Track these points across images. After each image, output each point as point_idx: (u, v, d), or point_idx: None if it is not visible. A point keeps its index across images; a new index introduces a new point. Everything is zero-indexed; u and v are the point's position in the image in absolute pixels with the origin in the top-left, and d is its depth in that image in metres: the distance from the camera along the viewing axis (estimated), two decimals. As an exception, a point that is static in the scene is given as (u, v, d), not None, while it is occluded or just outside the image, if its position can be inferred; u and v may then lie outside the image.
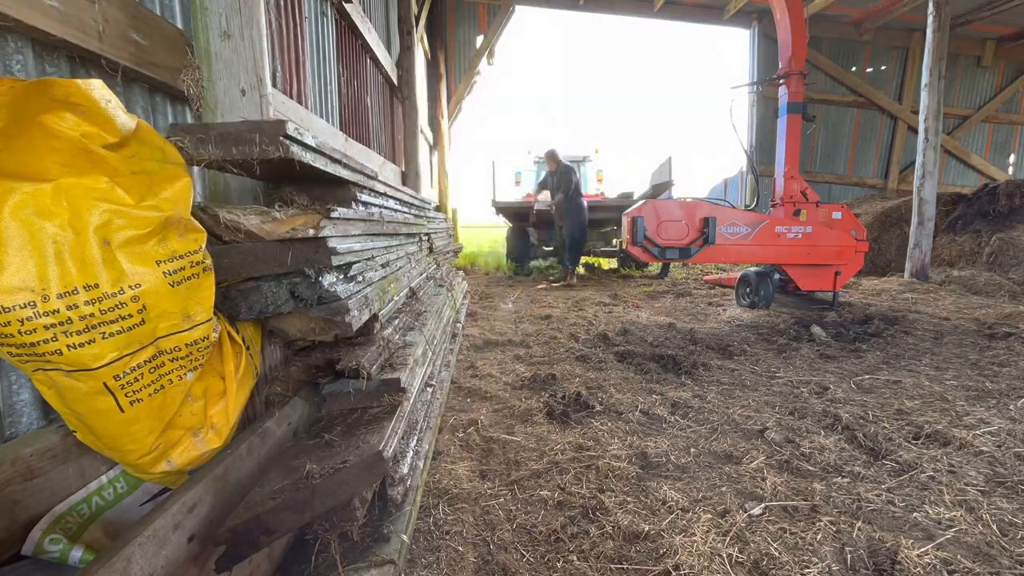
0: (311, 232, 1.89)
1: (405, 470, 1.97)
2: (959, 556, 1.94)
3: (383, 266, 2.61)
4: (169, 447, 1.61)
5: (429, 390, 2.76)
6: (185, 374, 1.58)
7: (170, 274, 1.45)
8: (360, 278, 2.18)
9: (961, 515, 2.19)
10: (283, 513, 1.57)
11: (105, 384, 1.41)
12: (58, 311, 1.27)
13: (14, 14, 1.65)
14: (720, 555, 1.96)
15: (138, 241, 1.38)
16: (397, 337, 2.52)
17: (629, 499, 2.36)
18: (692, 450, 2.85)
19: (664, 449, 2.84)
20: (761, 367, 4.32)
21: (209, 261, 1.56)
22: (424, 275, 4.21)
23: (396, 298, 2.75)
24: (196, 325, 1.55)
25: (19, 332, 1.25)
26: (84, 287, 1.30)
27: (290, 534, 1.72)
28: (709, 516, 2.20)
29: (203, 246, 1.54)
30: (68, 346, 1.31)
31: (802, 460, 2.69)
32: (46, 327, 1.27)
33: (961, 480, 2.46)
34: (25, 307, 1.24)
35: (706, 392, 3.75)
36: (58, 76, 1.82)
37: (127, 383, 1.45)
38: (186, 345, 1.55)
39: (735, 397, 3.65)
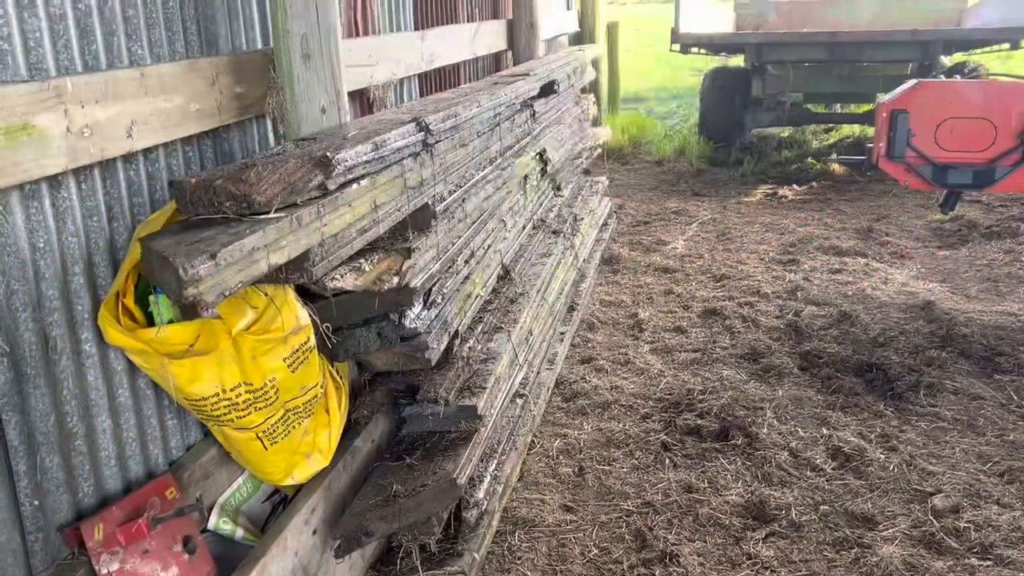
0: (395, 280, 2.26)
1: (480, 495, 2.39)
2: None
3: (466, 261, 2.86)
4: (293, 467, 2.19)
5: (519, 402, 2.88)
6: (302, 421, 2.13)
7: (291, 365, 1.97)
8: (439, 298, 2.54)
9: None
10: (377, 522, 2.14)
11: (256, 435, 2.04)
12: (231, 399, 1.90)
13: (171, 136, 1.99)
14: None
15: (271, 351, 1.91)
16: (480, 347, 2.78)
17: (715, 551, 2.34)
18: (822, 507, 2.59)
19: (787, 502, 2.59)
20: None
21: (312, 342, 2.02)
22: (527, 228, 3.95)
23: (481, 292, 2.92)
24: (308, 390, 2.08)
25: (210, 408, 1.90)
26: (244, 383, 1.90)
27: (381, 539, 2.29)
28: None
29: (309, 336, 1.99)
30: (236, 416, 1.95)
31: (950, 535, 2.39)
32: (225, 407, 1.91)
33: None
34: (211, 396, 1.88)
35: (904, 431, 3.00)
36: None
37: (268, 434, 2.06)
38: (303, 404, 2.09)
39: (943, 443, 2.92)
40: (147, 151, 1.97)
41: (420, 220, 2.53)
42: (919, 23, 8.26)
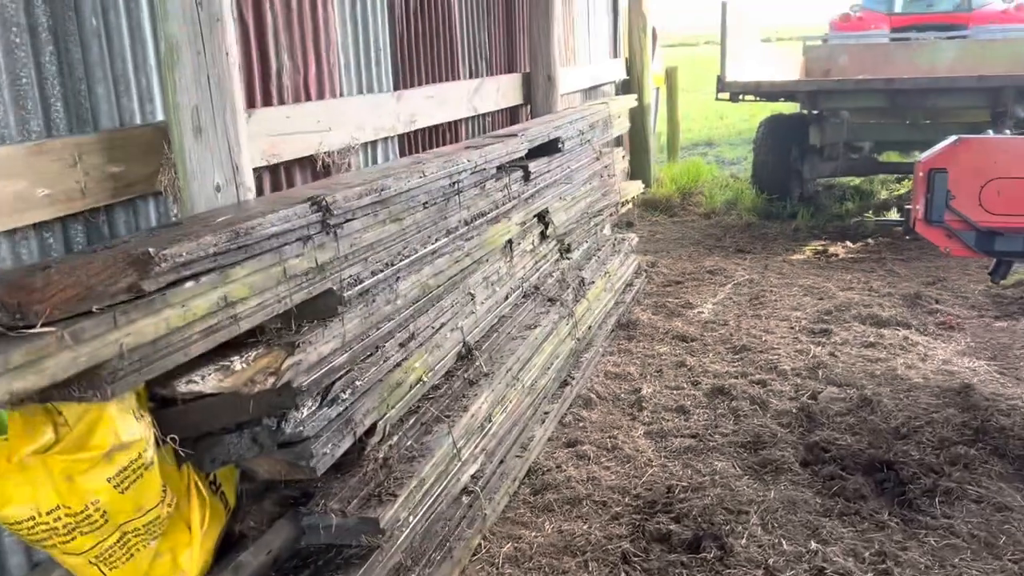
0: (270, 382, 2.02)
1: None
2: None
3: (402, 345, 2.62)
4: (147, 594, 1.93)
5: (466, 500, 2.66)
6: (148, 543, 1.88)
7: (118, 485, 1.74)
8: (346, 393, 2.27)
9: None
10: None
11: (90, 560, 1.81)
12: (48, 523, 1.71)
13: (3, 227, 1.83)
14: None
15: (89, 472, 1.70)
16: (411, 443, 2.53)
17: None
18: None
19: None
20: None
21: (147, 457, 1.79)
22: (512, 297, 3.74)
23: (424, 378, 2.68)
24: (148, 510, 1.83)
25: (28, 532, 1.72)
26: (62, 506, 1.70)
27: None
28: None
29: (141, 452, 1.76)
30: (60, 542, 1.74)
31: None
32: (43, 531, 1.71)
33: None
34: (27, 520, 1.69)
35: (906, 549, 2.56)
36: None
37: (105, 558, 1.82)
38: (143, 525, 1.85)
39: (948, 567, 2.48)
40: (-22, 241, 1.81)
41: (322, 308, 2.28)
42: (1006, 67, 7.63)
